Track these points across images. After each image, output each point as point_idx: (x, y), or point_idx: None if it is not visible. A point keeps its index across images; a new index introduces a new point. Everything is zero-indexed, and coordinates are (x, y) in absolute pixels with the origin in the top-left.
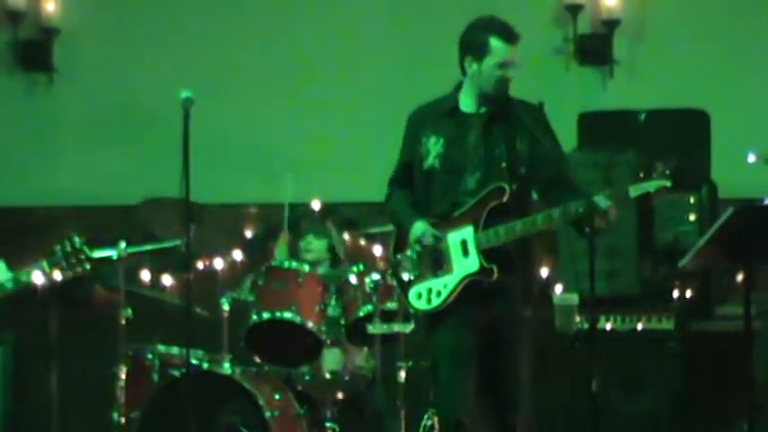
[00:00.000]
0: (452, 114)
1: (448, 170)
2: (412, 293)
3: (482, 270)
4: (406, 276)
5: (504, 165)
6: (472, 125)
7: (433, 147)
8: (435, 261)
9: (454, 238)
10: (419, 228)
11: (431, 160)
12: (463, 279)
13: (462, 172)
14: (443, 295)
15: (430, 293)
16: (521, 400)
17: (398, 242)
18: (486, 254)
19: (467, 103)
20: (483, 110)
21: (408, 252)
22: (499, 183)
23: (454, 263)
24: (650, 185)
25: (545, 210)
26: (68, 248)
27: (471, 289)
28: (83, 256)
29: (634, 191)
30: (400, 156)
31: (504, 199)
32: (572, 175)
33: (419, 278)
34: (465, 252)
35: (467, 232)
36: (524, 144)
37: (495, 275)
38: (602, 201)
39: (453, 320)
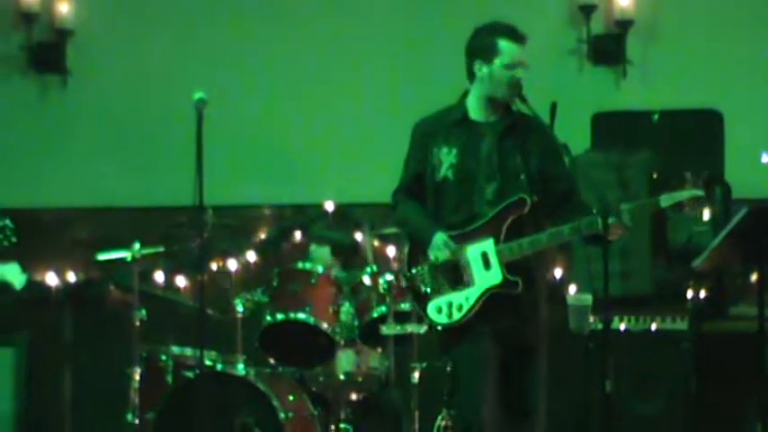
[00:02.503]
0: (463, 124)
1: (462, 180)
2: (431, 307)
3: (506, 282)
4: (423, 290)
5: (522, 177)
6: (484, 134)
7: (446, 157)
8: (454, 274)
9: (473, 250)
10: (439, 240)
11: (444, 171)
12: (486, 291)
13: (477, 181)
14: (465, 309)
15: (450, 307)
16: (536, 413)
17: (413, 254)
18: (507, 265)
19: (476, 112)
20: (493, 118)
21: (425, 266)
22: (520, 194)
23: (475, 276)
24: (682, 195)
25: (568, 222)
26: None
27: (490, 300)
28: (8, 232)
29: (665, 200)
30: (406, 167)
31: (526, 210)
32: (580, 195)
33: (437, 292)
34: (486, 264)
35: (487, 245)
36: (536, 159)
37: (520, 288)
38: (624, 215)
39: (474, 331)
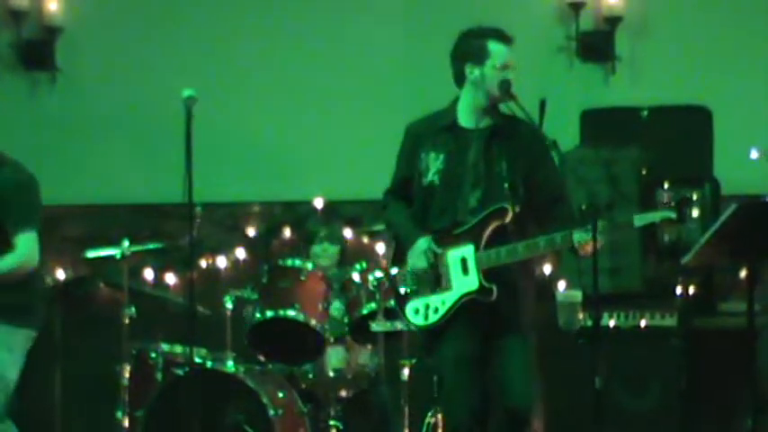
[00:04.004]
0: (451, 130)
1: (448, 186)
2: (409, 308)
3: (481, 289)
4: (403, 291)
5: (506, 185)
6: (472, 141)
7: (433, 163)
8: (434, 277)
9: (454, 255)
10: (420, 246)
11: (430, 176)
12: (462, 297)
13: (462, 188)
14: (441, 312)
15: (427, 309)
16: (529, 401)
17: (396, 255)
18: (485, 273)
19: (465, 119)
20: (483, 124)
21: (408, 267)
22: (502, 203)
23: (453, 280)
24: (655, 216)
25: (546, 233)
26: None
27: (471, 305)
28: None
29: (638, 220)
30: (397, 169)
31: (507, 219)
32: (569, 202)
33: (417, 293)
34: (465, 270)
35: (467, 250)
36: (523, 165)
37: (495, 296)
38: (590, 229)
39: (454, 331)
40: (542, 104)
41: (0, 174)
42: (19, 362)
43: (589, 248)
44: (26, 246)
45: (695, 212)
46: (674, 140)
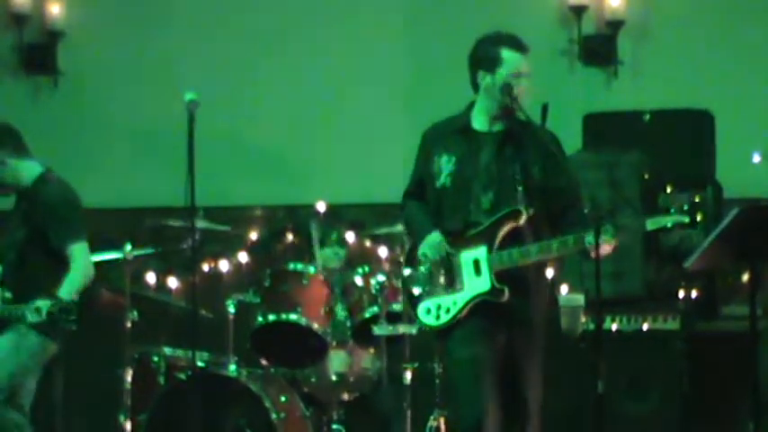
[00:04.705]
0: (464, 132)
1: (459, 188)
2: (421, 308)
3: (493, 290)
4: (416, 291)
5: (520, 188)
6: (484, 143)
7: (445, 165)
8: (447, 278)
9: (467, 256)
10: (433, 238)
11: (443, 179)
12: (473, 298)
13: (474, 191)
14: (452, 312)
15: (439, 310)
16: (531, 419)
17: (411, 255)
18: (498, 275)
19: (479, 122)
20: (496, 128)
21: (422, 267)
22: (517, 206)
23: (465, 281)
24: (667, 220)
25: (559, 236)
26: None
27: (483, 307)
28: (69, 317)
29: (651, 224)
30: (413, 172)
31: (521, 222)
32: (582, 205)
33: (429, 293)
34: (477, 271)
35: (480, 252)
36: (538, 170)
37: (506, 297)
38: (607, 231)
39: (467, 333)
40: (544, 108)
41: (51, 189)
42: (38, 372)
43: (601, 251)
44: (81, 257)
45: (698, 216)
46: (677, 144)
